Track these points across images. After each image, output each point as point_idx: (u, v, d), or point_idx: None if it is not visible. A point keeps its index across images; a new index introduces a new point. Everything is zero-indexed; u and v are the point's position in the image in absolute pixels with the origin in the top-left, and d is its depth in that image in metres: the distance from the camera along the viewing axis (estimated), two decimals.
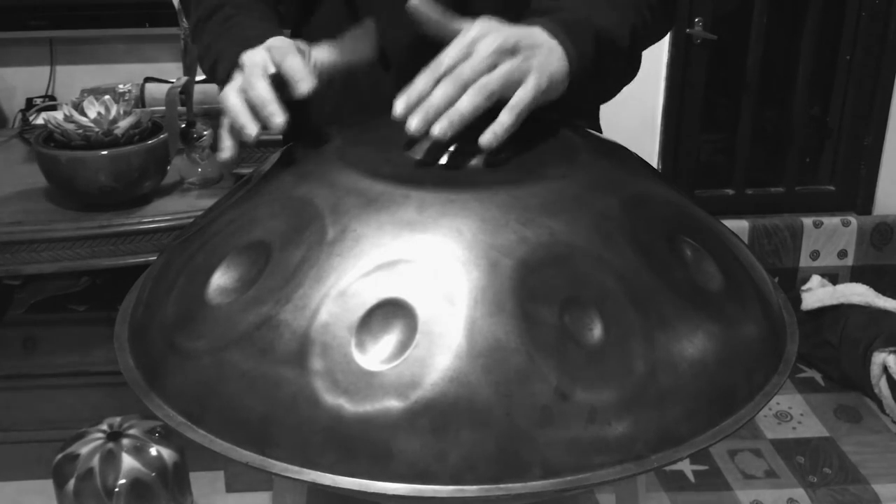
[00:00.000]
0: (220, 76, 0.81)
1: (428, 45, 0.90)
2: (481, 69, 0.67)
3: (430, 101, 0.66)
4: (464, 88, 0.66)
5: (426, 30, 0.74)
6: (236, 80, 0.75)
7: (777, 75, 2.49)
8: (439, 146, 0.70)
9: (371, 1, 0.91)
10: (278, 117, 0.70)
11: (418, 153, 0.70)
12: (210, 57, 0.85)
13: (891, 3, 2.35)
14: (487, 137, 0.66)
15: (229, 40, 0.83)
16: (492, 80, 0.67)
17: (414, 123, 0.65)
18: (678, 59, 2.36)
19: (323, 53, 0.79)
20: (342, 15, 0.92)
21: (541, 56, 0.70)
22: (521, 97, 0.68)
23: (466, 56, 0.68)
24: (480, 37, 0.69)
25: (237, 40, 0.81)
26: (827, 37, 2.43)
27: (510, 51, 0.69)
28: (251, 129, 0.70)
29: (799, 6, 2.37)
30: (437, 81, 0.67)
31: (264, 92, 0.71)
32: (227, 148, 0.73)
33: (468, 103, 0.66)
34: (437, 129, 0.65)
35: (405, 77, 0.90)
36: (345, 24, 0.87)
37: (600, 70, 0.77)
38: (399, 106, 0.67)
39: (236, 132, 0.72)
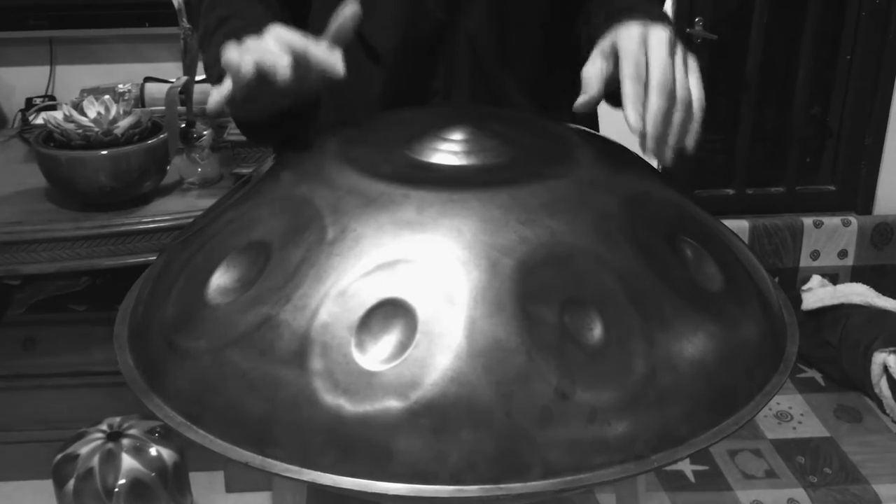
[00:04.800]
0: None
1: (418, 47, 0.91)
2: (673, 68, 0.69)
3: (657, 121, 0.67)
4: (672, 95, 0.68)
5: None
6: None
7: (777, 75, 2.49)
8: (437, 146, 0.70)
9: (365, 18, 0.91)
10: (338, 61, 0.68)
11: (418, 153, 0.70)
12: (218, 68, 0.80)
13: (891, 3, 2.35)
14: (692, 141, 0.69)
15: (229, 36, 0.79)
16: (686, 85, 0.69)
17: (651, 146, 0.67)
18: None
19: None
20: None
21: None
22: (698, 88, 0.70)
23: (644, 51, 0.69)
24: (643, 38, 0.70)
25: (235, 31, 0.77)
26: (827, 37, 2.43)
27: (674, 43, 0.70)
28: (283, 62, 0.66)
29: (799, 6, 2.37)
30: (642, 82, 0.68)
31: (298, 41, 0.68)
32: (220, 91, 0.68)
33: (681, 120, 0.69)
34: (668, 160, 0.68)
35: (395, 75, 0.91)
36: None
37: None
38: (636, 122, 0.67)
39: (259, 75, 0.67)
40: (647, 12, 0.74)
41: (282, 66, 0.66)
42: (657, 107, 0.67)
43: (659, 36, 0.69)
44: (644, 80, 0.68)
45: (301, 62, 0.68)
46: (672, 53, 0.69)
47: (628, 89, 0.68)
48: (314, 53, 0.69)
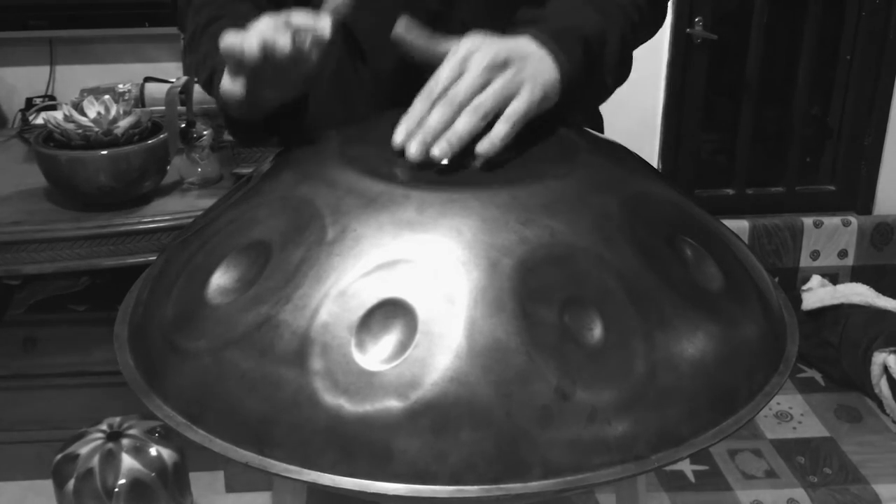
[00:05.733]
0: (218, 78, 0.78)
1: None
2: (475, 88, 0.68)
3: (427, 126, 0.67)
4: (459, 109, 0.67)
5: (414, 55, 0.74)
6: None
7: (777, 75, 2.49)
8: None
9: (359, 8, 0.91)
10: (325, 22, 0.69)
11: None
12: (207, 66, 0.82)
13: (891, 3, 2.35)
14: (484, 146, 0.68)
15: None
16: (486, 100, 0.68)
17: (413, 149, 0.66)
18: (678, 59, 2.36)
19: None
20: None
21: (532, 66, 0.71)
22: (515, 108, 0.69)
23: (459, 75, 0.68)
24: (470, 53, 0.69)
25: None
26: (827, 37, 2.43)
27: (501, 65, 0.69)
28: (284, 37, 0.67)
29: (799, 6, 2.37)
30: (433, 104, 0.68)
31: (300, 17, 0.69)
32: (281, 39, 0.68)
33: (464, 125, 0.67)
34: (437, 151, 0.67)
35: (390, 70, 0.90)
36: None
37: (592, 75, 0.79)
38: (399, 134, 0.68)
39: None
40: (558, 22, 0.75)
41: (282, 40, 0.67)
42: (437, 115, 0.67)
43: (482, 53, 0.68)
44: (434, 96, 0.68)
45: (295, 36, 0.68)
46: (490, 69, 0.68)
47: (414, 105, 0.69)
48: (299, 21, 0.69)
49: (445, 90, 0.68)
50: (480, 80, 0.68)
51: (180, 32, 0.93)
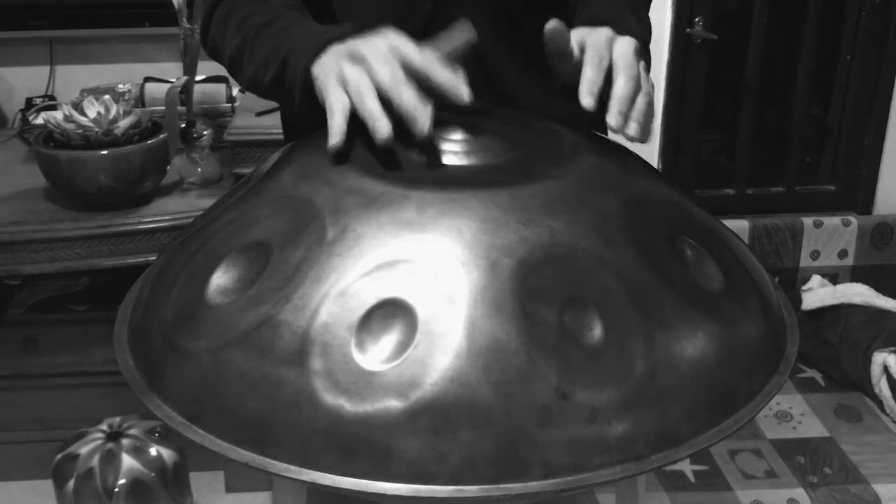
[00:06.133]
0: (293, 73, 0.74)
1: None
2: (638, 66, 0.73)
3: (624, 99, 0.70)
4: (637, 83, 0.71)
5: (553, 62, 0.76)
6: (343, 67, 0.69)
7: (777, 75, 2.49)
8: (437, 146, 0.70)
9: (352, 12, 0.90)
10: (424, 121, 0.65)
11: (418, 153, 0.70)
12: (274, 61, 0.78)
13: (891, 3, 2.35)
14: (647, 135, 0.71)
15: (298, 35, 0.76)
16: (648, 85, 0.73)
17: (615, 121, 0.69)
18: (678, 59, 2.36)
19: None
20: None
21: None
22: (651, 93, 0.74)
23: (609, 50, 0.73)
24: (609, 40, 0.74)
25: (308, 35, 0.75)
26: (827, 37, 2.43)
27: (639, 52, 0.74)
28: (384, 128, 0.65)
29: (799, 6, 2.37)
30: (602, 71, 0.71)
31: (409, 95, 0.65)
32: (337, 132, 0.67)
33: (646, 106, 0.71)
34: (635, 133, 0.70)
35: None
36: None
37: None
38: (589, 100, 0.70)
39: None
40: (621, 27, 0.77)
41: (423, 118, 0.65)
42: (623, 86, 0.70)
43: (626, 39, 0.74)
44: (604, 68, 0.71)
45: (423, 87, 0.66)
46: (636, 54, 0.73)
47: (587, 73, 0.71)
48: (439, 79, 0.67)
49: (605, 61, 0.72)
50: (636, 60, 0.73)
51: (203, 44, 0.91)
